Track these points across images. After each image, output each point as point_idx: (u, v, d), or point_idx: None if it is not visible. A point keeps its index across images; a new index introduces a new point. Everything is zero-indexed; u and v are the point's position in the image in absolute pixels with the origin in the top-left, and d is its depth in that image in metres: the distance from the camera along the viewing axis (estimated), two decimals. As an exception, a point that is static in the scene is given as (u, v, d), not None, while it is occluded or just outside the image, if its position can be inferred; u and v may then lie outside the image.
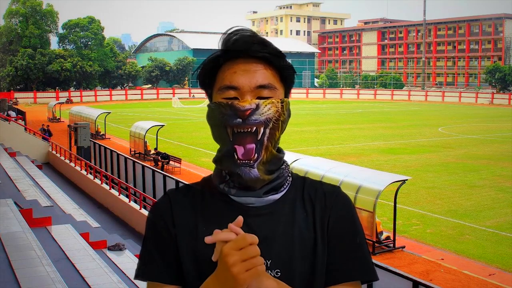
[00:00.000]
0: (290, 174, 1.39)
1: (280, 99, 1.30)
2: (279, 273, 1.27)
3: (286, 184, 1.36)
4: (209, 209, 1.34)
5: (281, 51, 1.34)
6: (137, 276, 1.38)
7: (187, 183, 1.48)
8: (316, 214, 1.34)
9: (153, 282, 1.35)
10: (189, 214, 1.35)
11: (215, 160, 1.36)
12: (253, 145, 1.28)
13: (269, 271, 1.26)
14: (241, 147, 1.29)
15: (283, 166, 1.37)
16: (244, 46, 1.30)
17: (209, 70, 1.35)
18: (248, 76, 1.29)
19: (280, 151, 1.37)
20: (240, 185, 1.31)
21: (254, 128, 1.28)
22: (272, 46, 1.33)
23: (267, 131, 1.29)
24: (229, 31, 1.34)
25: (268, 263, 1.27)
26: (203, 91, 1.40)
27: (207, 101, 1.40)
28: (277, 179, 1.34)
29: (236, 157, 1.29)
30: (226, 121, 1.28)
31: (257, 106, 1.27)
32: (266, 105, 1.27)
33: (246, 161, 1.28)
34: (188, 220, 1.35)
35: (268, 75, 1.30)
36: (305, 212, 1.34)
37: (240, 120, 1.27)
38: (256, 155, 1.29)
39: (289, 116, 1.35)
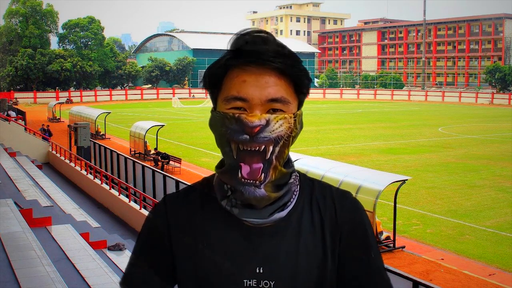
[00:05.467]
0: (298, 184, 1.27)
1: (293, 113, 1.17)
2: None
3: (293, 197, 1.24)
4: (209, 222, 1.24)
5: (297, 59, 1.20)
6: (123, 284, 1.30)
7: (187, 184, 1.41)
8: (325, 229, 1.24)
9: None
10: (187, 225, 1.25)
11: (220, 172, 1.23)
12: (261, 165, 1.15)
13: None
14: (246, 166, 1.15)
15: (291, 180, 1.24)
16: (256, 54, 1.15)
17: (215, 75, 1.20)
18: (259, 87, 1.14)
19: (288, 163, 1.24)
20: (243, 203, 1.19)
21: (263, 146, 1.13)
22: (288, 53, 1.18)
23: (277, 149, 1.15)
24: (241, 33, 1.19)
25: (272, 284, 1.18)
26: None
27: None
28: (284, 196, 1.21)
29: (240, 175, 1.16)
30: (230, 136, 1.14)
31: (267, 122, 1.12)
32: (277, 121, 1.14)
33: (252, 181, 1.15)
34: (186, 232, 1.25)
35: (281, 88, 1.15)
36: (313, 227, 1.23)
37: (247, 136, 1.13)
38: (263, 175, 1.15)
39: (301, 128, 1.22)
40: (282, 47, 1.18)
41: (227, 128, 1.14)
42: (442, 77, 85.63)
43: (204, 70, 1.23)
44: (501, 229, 13.30)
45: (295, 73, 1.18)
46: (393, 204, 12.27)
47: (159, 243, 1.28)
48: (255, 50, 1.15)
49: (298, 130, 1.21)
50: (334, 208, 1.25)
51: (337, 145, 27.25)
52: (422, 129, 34.58)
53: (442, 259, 11.43)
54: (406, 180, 12.70)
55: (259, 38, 1.17)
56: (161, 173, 15.89)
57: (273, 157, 1.15)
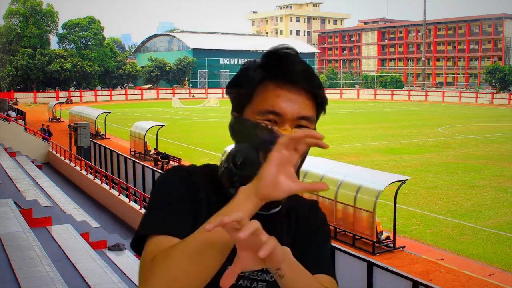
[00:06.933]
0: None
1: (314, 129, 1.27)
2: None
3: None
4: (212, 205, 1.26)
5: (319, 80, 1.31)
6: (147, 230, 1.18)
7: (190, 165, 1.38)
8: (297, 229, 1.36)
9: (165, 235, 1.16)
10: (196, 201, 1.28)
11: (242, 175, 1.24)
12: None
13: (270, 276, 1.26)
14: None
15: None
16: (290, 74, 1.24)
17: (250, 83, 1.26)
18: (292, 104, 1.23)
19: None
20: None
21: None
22: (314, 74, 1.29)
23: (299, 161, 1.20)
24: (274, 51, 1.28)
25: (268, 277, 1.27)
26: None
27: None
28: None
29: None
30: (261, 146, 1.19)
31: None
32: None
33: None
34: (198, 208, 1.27)
35: (308, 107, 1.26)
36: (290, 225, 1.36)
37: None
38: None
39: None
40: (309, 68, 1.29)
41: (257, 137, 1.21)
42: (442, 77, 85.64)
43: (237, 72, 1.32)
44: (501, 229, 13.30)
45: (319, 94, 1.29)
46: (393, 204, 12.27)
47: (184, 202, 1.25)
48: (289, 69, 1.24)
49: None
50: (307, 215, 1.38)
51: (337, 145, 27.22)
52: (422, 129, 34.58)
53: (442, 259, 11.44)
54: (406, 180, 12.70)
55: (292, 56, 1.27)
56: (161, 173, 15.90)
57: (297, 169, 1.18)
